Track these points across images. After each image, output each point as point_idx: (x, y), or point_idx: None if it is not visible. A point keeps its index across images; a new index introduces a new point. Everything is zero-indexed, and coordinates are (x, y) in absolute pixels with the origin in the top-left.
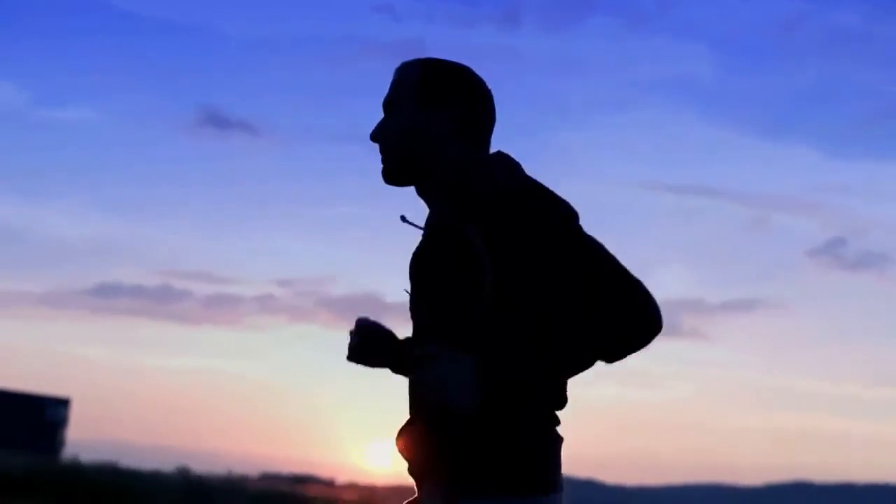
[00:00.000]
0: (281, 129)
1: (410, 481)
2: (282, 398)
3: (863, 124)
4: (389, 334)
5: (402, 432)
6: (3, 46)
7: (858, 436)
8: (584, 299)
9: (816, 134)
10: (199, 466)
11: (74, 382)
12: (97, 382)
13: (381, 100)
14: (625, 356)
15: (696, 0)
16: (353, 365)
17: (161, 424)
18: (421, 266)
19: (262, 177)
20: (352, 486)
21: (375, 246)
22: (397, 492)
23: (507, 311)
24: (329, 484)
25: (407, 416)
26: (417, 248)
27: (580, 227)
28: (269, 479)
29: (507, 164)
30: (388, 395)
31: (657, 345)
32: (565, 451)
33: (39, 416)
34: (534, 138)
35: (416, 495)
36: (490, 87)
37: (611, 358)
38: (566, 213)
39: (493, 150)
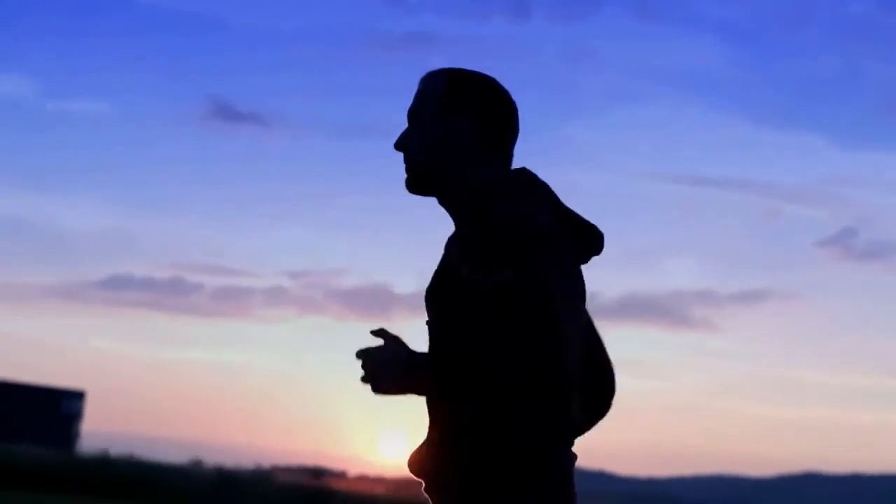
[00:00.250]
0: (291, 121)
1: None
2: (292, 390)
3: (874, 115)
4: (398, 352)
5: (415, 452)
6: (15, 40)
7: (869, 426)
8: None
9: (827, 125)
10: (211, 458)
11: (85, 374)
12: (108, 374)
13: (393, 90)
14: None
15: None
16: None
17: (172, 416)
18: (431, 295)
19: (272, 169)
20: (364, 478)
21: (385, 238)
22: (409, 483)
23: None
24: (341, 476)
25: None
26: (428, 287)
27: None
28: (281, 471)
29: (530, 187)
30: None
31: (667, 336)
32: (575, 443)
33: (55, 409)
34: (545, 130)
35: None
36: (500, 78)
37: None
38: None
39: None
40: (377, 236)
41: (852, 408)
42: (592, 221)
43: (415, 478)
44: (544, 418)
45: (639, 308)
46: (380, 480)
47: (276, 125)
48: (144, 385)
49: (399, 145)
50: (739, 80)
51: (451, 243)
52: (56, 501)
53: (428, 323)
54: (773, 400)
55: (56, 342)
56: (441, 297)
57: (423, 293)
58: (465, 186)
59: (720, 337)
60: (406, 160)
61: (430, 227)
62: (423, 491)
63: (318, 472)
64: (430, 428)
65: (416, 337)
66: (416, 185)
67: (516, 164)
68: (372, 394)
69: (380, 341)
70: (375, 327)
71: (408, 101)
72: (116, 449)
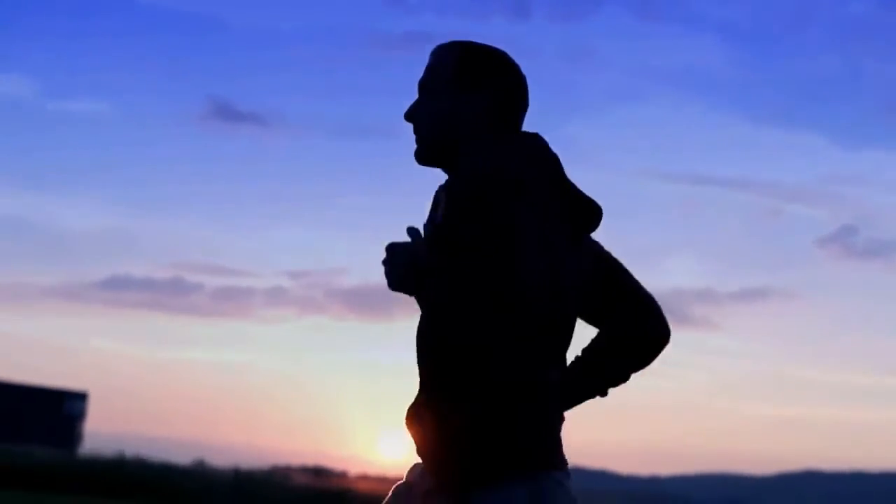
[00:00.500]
0: (291, 121)
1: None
2: (292, 390)
3: (874, 114)
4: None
5: (412, 412)
6: (14, 39)
7: (870, 424)
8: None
9: (827, 124)
10: (211, 458)
11: (86, 374)
12: (109, 375)
13: (393, 90)
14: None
15: None
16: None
17: (172, 416)
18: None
19: (272, 169)
20: (365, 478)
21: (386, 237)
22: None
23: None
24: (342, 475)
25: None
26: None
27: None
28: (281, 471)
29: (531, 148)
30: (398, 386)
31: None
32: (578, 443)
33: (58, 410)
34: (544, 129)
35: (404, 480)
36: (500, 50)
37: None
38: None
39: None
40: (377, 236)
41: (853, 406)
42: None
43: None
44: (526, 357)
45: None
46: (382, 480)
47: (276, 125)
48: (145, 385)
49: (409, 115)
50: (739, 79)
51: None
52: (59, 502)
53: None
54: (773, 398)
55: (56, 342)
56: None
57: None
58: (472, 156)
59: (721, 335)
60: (416, 131)
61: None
62: (417, 453)
63: (320, 472)
64: (422, 389)
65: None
66: (426, 155)
67: None
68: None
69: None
70: (382, 335)
71: (408, 100)
72: (119, 449)
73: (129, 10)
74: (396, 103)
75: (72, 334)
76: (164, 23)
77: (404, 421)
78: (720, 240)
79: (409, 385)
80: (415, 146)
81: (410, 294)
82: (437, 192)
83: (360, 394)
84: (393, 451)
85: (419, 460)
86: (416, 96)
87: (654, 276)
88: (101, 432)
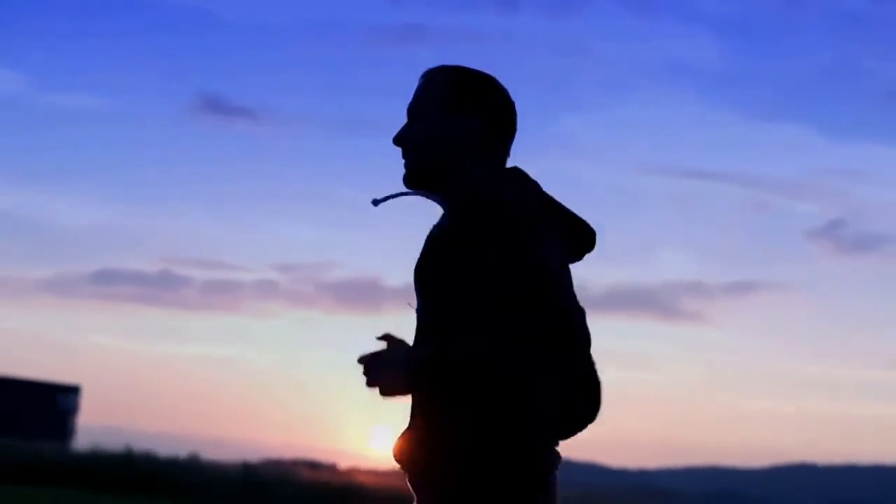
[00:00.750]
0: (282, 115)
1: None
2: (282, 384)
3: (864, 107)
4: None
5: (400, 441)
6: (6, 35)
7: (861, 417)
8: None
9: (817, 117)
10: (203, 453)
11: (77, 368)
12: (99, 369)
13: (383, 85)
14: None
15: None
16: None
17: (163, 410)
18: (420, 276)
19: (262, 162)
20: (356, 471)
21: (376, 231)
22: (400, 476)
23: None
24: (332, 469)
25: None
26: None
27: (537, 260)
28: (272, 464)
29: (520, 179)
30: None
31: (658, 327)
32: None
33: (51, 404)
34: (534, 122)
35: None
36: (494, 72)
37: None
38: (525, 243)
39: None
40: (367, 230)
41: (845, 399)
42: (584, 214)
43: (400, 468)
44: (538, 417)
45: (629, 299)
46: (372, 473)
47: (267, 119)
48: (136, 379)
49: (399, 140)
50: (730, 73)
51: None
52: (52, 495)
53: (412, 305)
54: (764, 391)
55: (47, 336)
56: (429, 275)
57: (413, 288)
58: (466, 182)
59: (711, 328)
60: (406, 155)
61: (421, 220)
62: (408, 483)
63: (314, 466)
64: (416, 419)
65: (409, 331)
66: (417, 180)
67: (511, 158)
68: (379, 397)
69: (383, 345)
70: (372, 328)
71: (399, 94)
72: (112, 443)
73: (120, 5)
74: (388, 98)
75: (63, 328)
76: (155, 17)
77: (395, 453)
78: (710, 233)
79: None
80: (403, 171)
81: (407, 393)
82: (436, 234)
83: (350, 388)
84: (384, 445)
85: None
86: (407, 91)
87: (644, 268)
88: (94, 426)
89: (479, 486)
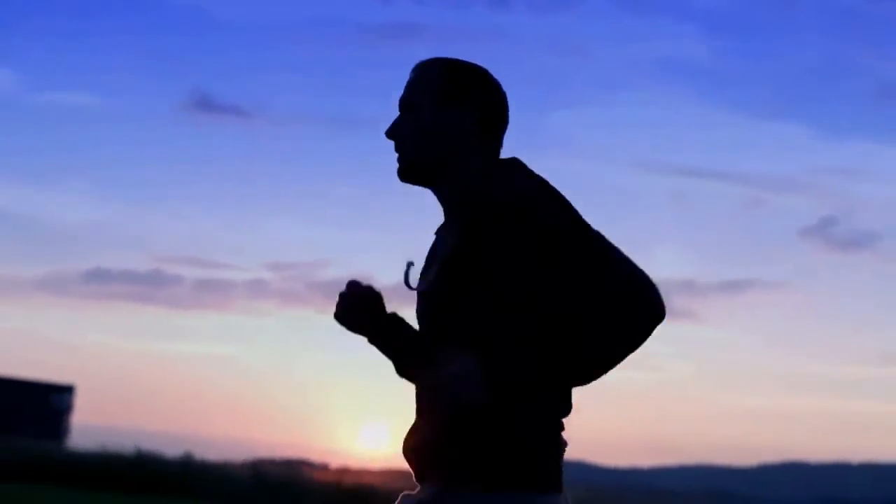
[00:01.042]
0: (273, 113)
1: (404, 465)
2: (273, 382)
3: (856, 105)
4: (377, 296)
5: (410, 436)
6: None
7: (852, 415)
8: (591, 301)
9: (809, 115)
10: (196, 451)
11: (70, 367)
12: (93, 367)
13: (375, 83)
14: (631, 350)
15: None
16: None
17: (155, 409)
18: (432, 266)
19: (253, 161)
20: (347, 471)
21: (367, 229)
22: (391, 475)
23: (514, 312)
24: (324, 468)
25: (411, 418)
26: (432, 247)
27: (592, 232)
28: (263, 463)
29: (526, 169)
30: (378, 379)
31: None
32: None
33: (44, 403)
34: (527, 120)
35: (415, 491)
36: (486, 67)
37: (621, 350)
38: (579, 218)
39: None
40: (358, 228)
41: (835, 396)
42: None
43: (407, 462)
44: (537, 407)
45: None
46: (365, 472)
47: (258, 117)
48: (129, 377)
49: (391, 133)
50: (723, 70)
51: (445, 233)
52: (47, 494)
53: (420, 315)
54: (756, 389)
55: (40, 335)
56: (449, 290)
57: (404, 285)
58: (463, 176)
59: (703, 326)
60: (399, 148)
61: (412, 218)
62: (415, 475)
63: (308, 466)
64: (422, 413)
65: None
66: (411, 173)
67: (504, 153)
68: (334, 319)
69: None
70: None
71: (392, 93)
72: (106, 442)
73: (113, 5)
74: (380, 95)
75: (55, 327)
76: (148, 17)
77: (404, 448)
78: (703, 231)
79: (391, 377)
80: (397, 165)
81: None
82: (442, 232)
83: (340, 386)
84: (374, 444)
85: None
86: (400, 90)
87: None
88: (88, 425)
89: (480, 475)
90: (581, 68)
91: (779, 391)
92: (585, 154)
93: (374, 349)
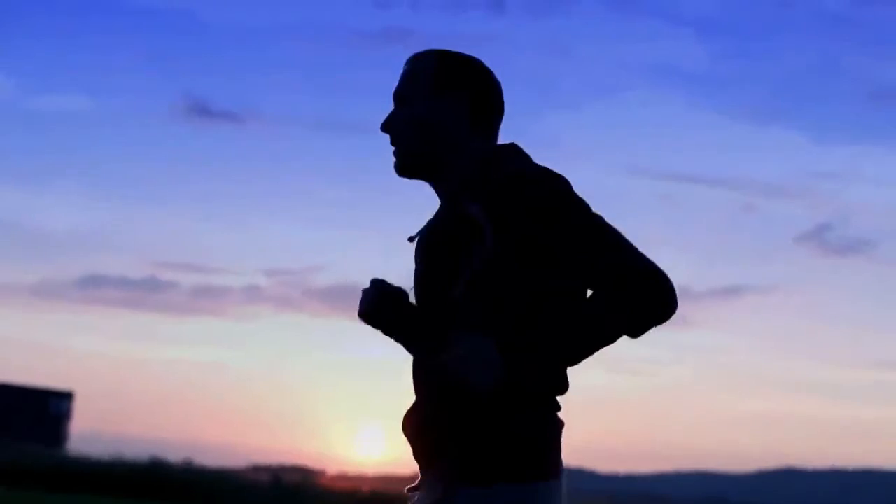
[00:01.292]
0: (267, 118)
1: (399, 470)
2: (268, 388)
3: (851, 109)
4: (403, 294)
5: (410, 415)
6: None
7: (848, 420)
8: (596, 280)
9: (804, 120)
10: (194, 457)
11: (66, 373)
12: (89, 373)
13: (368, 87)
14: (642, 332)
15: None
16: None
17: (152, 415)
18: (427, 246)
19: (247, 166)
20: (343, 477)
21: (362, 235)
22: (386, 480)
23: (516, 293)
24: (321, 474)
25: (410, 399)
26: (425, 229)
27: (593, 213)
28: (259, 470)
29: (525, 153)
30: (374, 384)
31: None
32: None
33: (43, 409)
34: (519, 123)
35: (417, 481)
36: (475, 57)
37: (632, 333)
38: (581, 199)
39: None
40: (353, 234)
41: (831, 402)
42: None
43: (406, 439)
44: (537, 391)
45: None
46: (360, 478)
47: (252, 122)
48: (121, 384)
49: (387, 126)
50: (717, 75)
51: (447, 212)
52: (46, 500)
53: (421, 273)
54: (752, 395)
55: (35, 341)
56: (436, 237)
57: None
58: (460, 165)
59: (699, 333)
60: (395, 142)
61: (407, 223)
62: (413, 456)
63: (291, 470)
64: (420, 392)
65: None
66: (409, 166)
67: None
68: (358, 315)
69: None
70: (359, 332)
71: (386, 96)
72: (105, 448)
73: (105, 8)
74: (373, 99)
75: (50, 333)
76: (140, 20)
77: (404, 426)
78: (698, 237)
79: (386, 382)
80: (393, 159)
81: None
82: (466, 211)
83: (337, 391)
84: (370, 448)
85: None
86: (391, 91)
87: None
88: (85, 431)
89: (483, 463)
90: (575, 72)
91: (775, 397)
92: (578, 158)
93: (366, 351)
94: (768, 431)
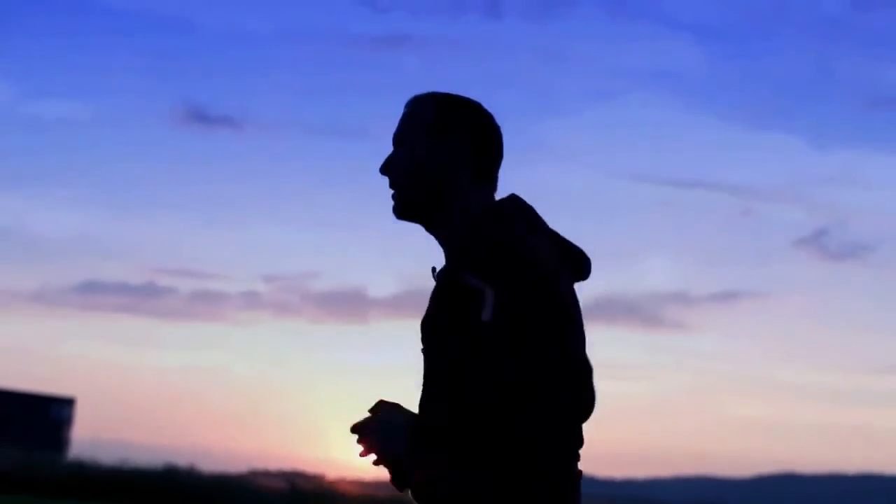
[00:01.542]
0: (264, 123)
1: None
2: (267, 394)
3: (848, 114)
4: (405, 422)
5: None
6: None
7: (846, 425)
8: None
9: (802, 124)
10: (193, 463)
11: (65, 380)
12: (88, 379)
13: (367, 92)
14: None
15: None
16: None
17: (150, 422)
18: (428, 333)
19: (245, 172)
20: (342, 481)
21: (360, 241)
22: (386, 486)
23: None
24: (320, 480)
25: (410, 403)
26: (425, 315)
27: (556, 310)
28: (258, 475)
29: (524, 214)
30: (373, 388)
31: (643, 337)
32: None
33: (44, 415)
34: (517, 129)
35: None
36: (476, 78)
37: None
38: (545, 293)
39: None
40: (351, 239)
41: (830, 407)
42: (567, 222)
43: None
44: (560, 441)
45: (614, 309)
46: (358, 483)
47: (250, 127)
48: (121, 390)
49: (386, 169)
50: (714, 79)
51: (443, 274)
52: None
53: (423, 351)
54: (750, 400)
55: (35, 347)
56: (435, 330)
57: (399, 296)
58: (459, 212)
59: (697, 337)
60: (393, 184)
61: (405, 230)
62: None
63: (291, 476)
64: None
65: (393, 340)
66: (408, 209)
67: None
68: (374, 465)
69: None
70: (357, 337)
71: (384, 100)
72: (105, 455)
73: (101, 12)
74: (370, 104)
75: (50, 339)
76: (137, 25)
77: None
78: (695, 242)
79: (385, 387)
80: (392, 202)
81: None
82: (444, 277)
83: (335, 397)
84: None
85: None
86: (391, 97)
87: (628, 278)
88: (86, 437)
89: None
90: (572, 77)
91: (774, 402)
92: (576, 163)
93: (364, 357)
94: (767, 436)
